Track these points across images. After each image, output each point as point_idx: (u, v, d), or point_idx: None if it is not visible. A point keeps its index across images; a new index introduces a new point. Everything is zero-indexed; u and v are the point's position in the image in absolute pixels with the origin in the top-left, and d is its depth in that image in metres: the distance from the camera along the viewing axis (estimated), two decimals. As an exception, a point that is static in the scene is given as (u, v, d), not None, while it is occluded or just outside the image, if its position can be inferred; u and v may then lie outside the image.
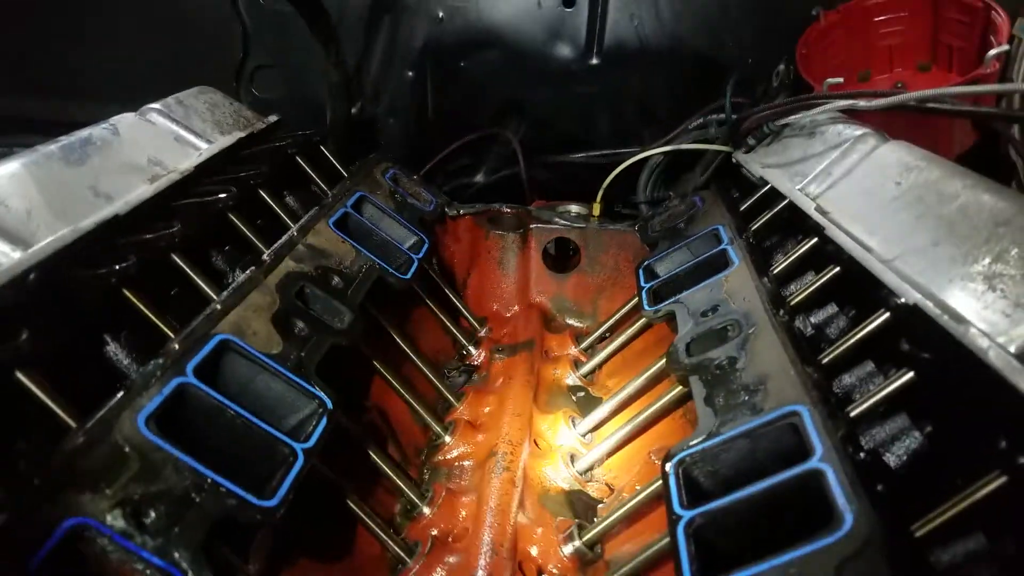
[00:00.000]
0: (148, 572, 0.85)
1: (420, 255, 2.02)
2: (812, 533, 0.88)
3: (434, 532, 1.47)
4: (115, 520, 0.87)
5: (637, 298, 1.85)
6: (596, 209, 2.47)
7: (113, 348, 1.25)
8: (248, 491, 1.04)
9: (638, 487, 1.41)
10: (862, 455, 0.97)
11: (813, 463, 0.97)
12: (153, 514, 0.91)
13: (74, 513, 0.85)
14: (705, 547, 0.99)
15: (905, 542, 0.84)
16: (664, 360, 1.48)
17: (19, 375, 0.99)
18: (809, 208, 1.53)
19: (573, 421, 1.84)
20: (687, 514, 1.03)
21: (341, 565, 1.38)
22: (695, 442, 1.15)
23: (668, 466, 1.15)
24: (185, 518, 0.93)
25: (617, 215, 2.63)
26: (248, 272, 1.51)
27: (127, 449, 0.97)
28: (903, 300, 1.10)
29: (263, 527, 1.03)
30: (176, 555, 0.88)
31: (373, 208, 2.09)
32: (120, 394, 1.06)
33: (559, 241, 2.51)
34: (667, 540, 1.06)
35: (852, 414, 1.07)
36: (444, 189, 2.68)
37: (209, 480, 1.00)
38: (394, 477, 1.53)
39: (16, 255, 1.21)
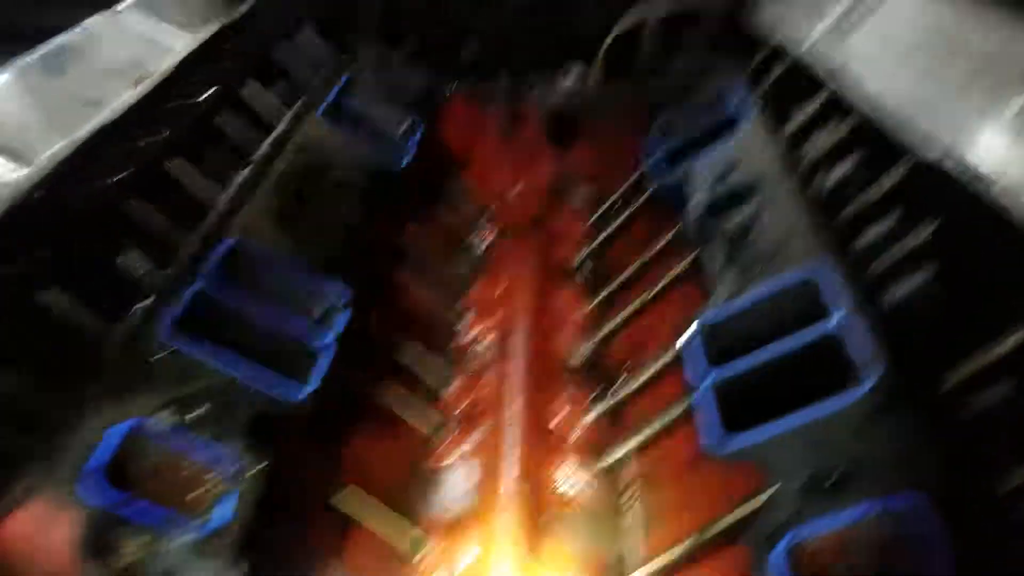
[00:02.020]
0: (204, 463, 0.90)
1: (415, 139, 1.97)
2: (834, 392, 0.91)
3: (460, 410, 1.53)
4: (165, 419, 0.91)
5: (646, 166, 1.81)
6: (597, 73, 2.35)
7: (128, 258, 1.25)
8: (280, 384, 1.08)
9: (658, 353, 1.44)
10: (883, 312, 0.98)
11: (834, 322, 0.98)
12: (198, 410, 0.96)
13: (125, 418, 0.88)
14: (729, 405, 1.03)
15: (928, 396, 0.87)
16: (678, 228, 1.48)
17: (45, 293, 0.99)
18: (823, 60, 1.46)
19: (587, 297, 1.85)
20: (711, 375, 1.07)
21: (382, 443, 1.44)
22: (716, 306, 1.17)
23: (690, 331, 1.17)
24: (228, 411, 0.98)
25: (620, 78, 2.49)
26: (246, 172, 1.48)
27: (161, 355, 0.99)
28: (924, 152, 1.08)
29: (299, 414, 1.08)
30: (226, 444, 0.93)
31: (362, 93, 2.01)
32: (145, 303, 1.07)
33: (560, 111, 2.40)
34: (689, 400, 1.10)
35: (873, 272, 1.08)
36: (435, 62, 2.52)
37: (244, 376, 1.04)
38: (416, 363, 1.57)
39: (19, 172, 1.18)
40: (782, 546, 0.78)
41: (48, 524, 0.76)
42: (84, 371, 0.94)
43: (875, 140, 1.23)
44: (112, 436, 0.85)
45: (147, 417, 0.90)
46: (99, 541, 0.75)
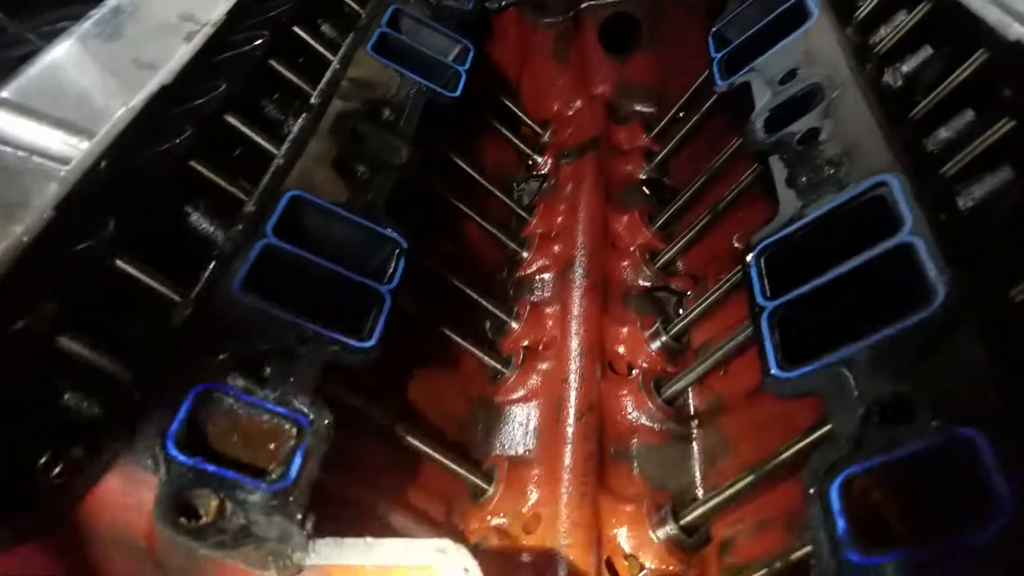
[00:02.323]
0: (275, 421, 0.95)
1: (466, 65, 1.91)
2: (904, 310, 0.86)
3: (525, 343, 1.56)
4: (236, 380, 0.97)
5: (708, 71, 1.70)
6: (653, -28, 2.20)
7: (194, 218, 1.30)
8: (347, 335, 1.11)
9: (721, 276, 1.41)
10: (957, 220, 0.91)
11: (903, 236, 0.92)
12: (268, 369, 1.01)
13: (198, 380, 0.94)
14: (790, 335, 1.00)
15: (1002, 310, 0.81)
16: (742, 139, 1.40)
17: (118, 262, 1.05)
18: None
19: (650, 217, 1.81)
20: (770, 304, 1.03)
21: (447, 383, 1.50)
22: (777, 228, 1.12)
23: (749, 257, 1.12)
24: (297, 368, 1.02)
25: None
26: (301, 121, 1.49)
27: (231, 315, 1.04)
28: (1004, 35, 0.95)
29: (366, 365, 1.12)
30: (295, 402, 0.98)
31: (410, 21, 1.96)
32: (212, 264, 1.12)
33: (616, 17, 2.26)
34: (751, 328, 1.07)
35: (948, 174, 0.99)
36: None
37: (311, 331, 1.08)
38: (479, 299, 1.59)
39: (84, 146, 1.23)
40: (836, 483, 0.76)
41: (132, 489, 0.83)
42: (160, 336, 1.00)
43: (951, 27, 1.10)
44: (186, 399, 0.90)
45: (219, 378, 0.95)
46: (179, 502, 0.82)
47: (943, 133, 1.11)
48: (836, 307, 0.98)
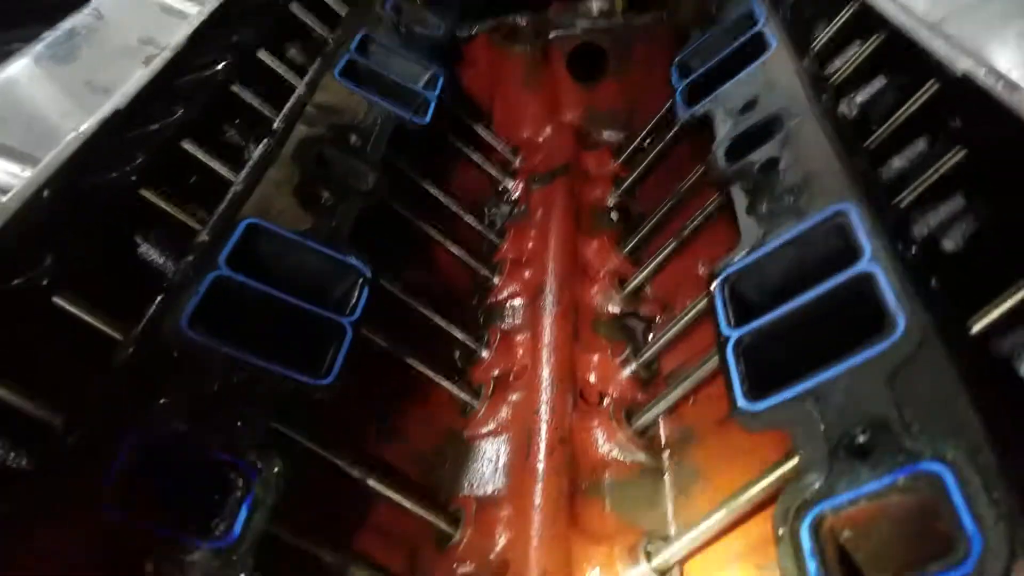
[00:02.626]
0: (220, 470, 0.90)
1: (437, 91, 1.90)
2: (864, 341, 0.85)
3: (495, 373, 1.52)
4: (179, 424, 0.91)
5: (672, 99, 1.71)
6: (620, 3, 2.23)
7: (143, 250, 1.26)
8: (303, 372, 1.07)
9: (689, 302, 1.39)
10: (914, 249, 0.90)
11: (862, 266, 0.91)
12: (214, 412, 0.95)
13: (138, 424, 0.89)
14: (755, 364, 0.98)
15: (962, 340, 0.80)
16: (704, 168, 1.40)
17: (57, 299, 1.00)
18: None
19: (619, 243, 1.80)
20: (735, 334, 1.01)
21: (414, 417, 1.45)
22: (739, 257, 1.11)
23: (713, 285, 1.11)
24: (246, 410, 0.97)
25: (643, 5, 2.36)
26: (262, 145, 1.46)
27: (177, 353, 1.00)
28: (952, 69, 0.96)
29: (323, 403, 1.07)
30: (243, 448, 0.92)
31: (379, 48, 1.95)
32: (159, 299, 1.08)
33: (584, 46, 2.29)
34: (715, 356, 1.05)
35: (903, 203, 0.99)
36: (451, 7, 2.44)
37: (263, 369, 1.03)
38: (448, 328, 1.56)
39: (25, 174, 1.19)
40: (806, 523, 0.73)
41: (63, 539, 0.78)
42: (99, 378, 0.94)
43: (903, 59, 1.12)
44: (124, 447, 0.85)
45: (161, 422, 0.90)
46: (114, 557, 0.77)
47: (897, 162, 1.11)
48: (800, 336, 0.97)
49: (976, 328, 0.80)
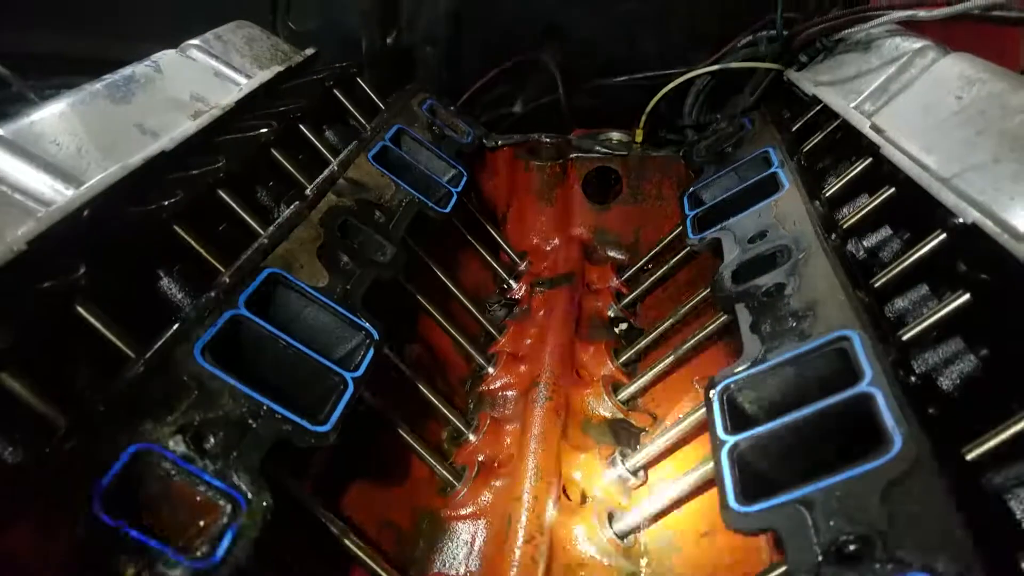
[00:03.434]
0: (209, 494, 0.89)
1: (459, 188, 2.01)
2: (860, 457, 0.87)
3: (480, 458, 1.51)
4: (177, 445, 0.91)
5: (681, 227, 1.81)
6: (639, 136, 2.41)
7: (166, 282, 1.29)
8: (302, 417, 1.07)
9: (681, 416, 1.42)
10: (913, 379, 0.95)
11: (863, 387, 0.95)
12: (213, 439, 0.95)
13: (137, 439, 0.89)
14: (749, 472, 1.00)
15: (955, 464, 0.83)
16: (709, 289, 1.47)
17: (79, 308, 1.02)
18: (864, 126, 1.46)
19: (615, 352, 1.84)
20: (731, 439, 1.03)
21: (393, 488, 1.44)
22: (740, 369, 1.15)
23: (712, 392, 1.14)
24: (243, 443, 0.97)
25: (661, 141, 2.55)
26: (293, 207, 1.53)
27: (185, 378, 1.01)
28: (961, 219, 1.06)
29: (317, 451, 1.07)
30: (235, 477, 0.92)
31: (411, 141, 2.07)
32: (176, 325, 1.09)
33: (600, 170, 2.45)
34: (711, 465, 1.07)
35: (904, 338, 1.05)
36: (481, 120, 2.64)
37: (265, 407, 1.04)
38: (440, 406, 1.57)
39: (69, 192, 1.23)
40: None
41: (45, 543, 0.76)
42: (107, 389, 0.95)
43: (912, 208, 1.22)
44: (121, 457, 0.84)
45: (160, 440, 0.89)
46: (96, 565, 0.75)
47: (900, 303, 1.18)
48: (795, 449, 0.99)
49: (970, 456, 0.83)
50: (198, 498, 0.89)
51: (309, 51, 2.25)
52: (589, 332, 1.97)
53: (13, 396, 0.88)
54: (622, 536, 1.31)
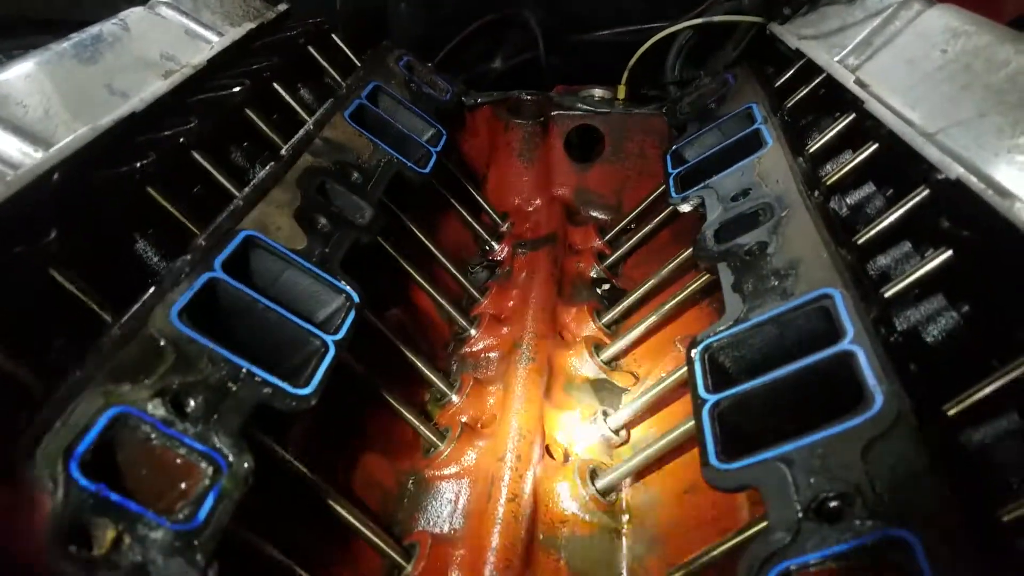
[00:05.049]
0: (191, 457, 0.88)
1: (438, 148, 1.97)
2: (841, 414, 0.88)
3: (463, 419, 1.52)
4: (156, 409, 0.90)
5: (664, 186, 1.80)
6: (621, 92, 2.37)
7: (141, 246, 1.26)
8: (283, 381, 1.06)
9: (663, 375, 1.43)
10: (895, 337, 0.95)
11: (844, 345, 0.96)
12: (192, 403, 0.94)
13: (115, 403, 0.87)
14: (730, 430, 1.01)
15: (936, 421, 0.84)
16: (691, 249, 1.46)
17: (53, 272, 1.00)
18: (848, 81, 1.44)
19: (597, 313, 1.84)
20: (712, 397, 1.04)
21: (377, 450, 1.44)
22: (722, 328, 1.15)
23: (694, 352, 1.15)
24: (223, 406, 0.96)
25: (644, 98, 2.50)
26: (268, 168, 1.49)
27: (162, 342, 0.99)
28: (945, 175, 1.06)
29: (299, 414, 1.06)
30: (216, 440, 0.91)
31: (388, 99, 2.03)
32: (152, 289, 1.07)
33: (582, 128, 2.42)
34: (692, 423, 1.07)
35: (886, 295, 1.05)
36: (460, 78, 2.58)
37: (244, 370, 1.03)
38: (422, 368, 1.56)
39: (38, 155, 1.19)
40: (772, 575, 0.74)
41: (22, 509, 0.75)
42: (86, 351, 0.93)
43: (895, 164, 1.21)
44: (99, 421, 0.83)
45: (138, 404, 0.88)
46: (73, 528, 0.74)
47: (882, 260, 1.19)
48: (776, 407, 1.00)
49: (951, 413, 0.84)
50: (179, 461, 0.88)
51: (282, 7, 2.18)
52: (571, 293, 1.96)
53: (-15, 360, 0.86)
54: (604, 493, 1.33)
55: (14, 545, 0.72)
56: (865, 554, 0.74)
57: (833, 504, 0.80)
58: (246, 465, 0.90)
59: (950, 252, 1.02)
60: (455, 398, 1.57)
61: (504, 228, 2.34)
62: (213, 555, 0.80)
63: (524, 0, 2.80)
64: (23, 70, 1.34)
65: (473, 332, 1.79)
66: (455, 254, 2.09)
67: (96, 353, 0.94)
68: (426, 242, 1.91)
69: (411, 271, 1.76)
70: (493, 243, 2.25)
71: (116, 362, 0.94)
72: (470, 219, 2.22)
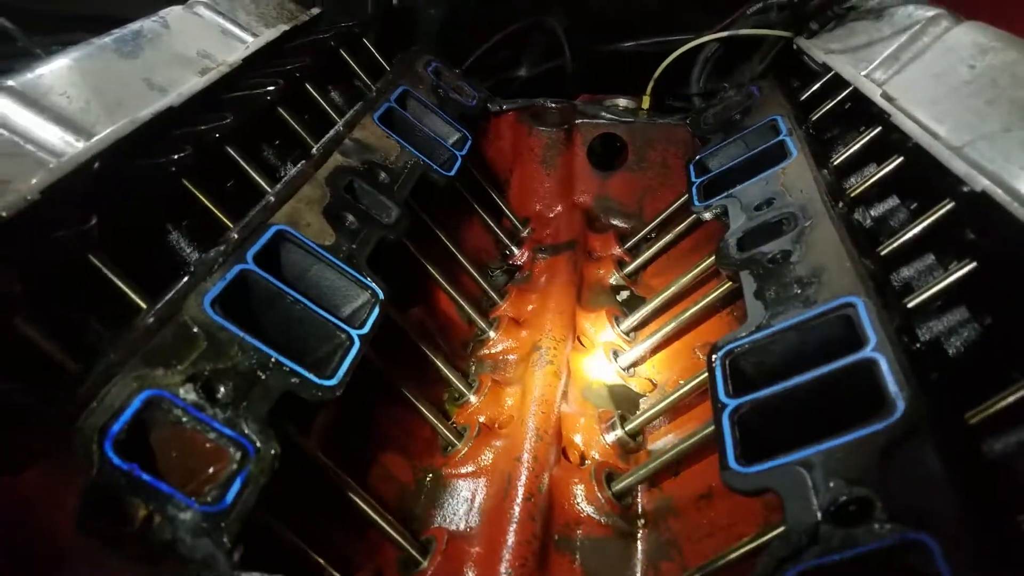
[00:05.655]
0: (220, 441, 0.90)
1: (463, 152, 1.99)
2: (860, 422, 0.89)
3: (481, 418, 1.53)
4: (188, 393, 0.92)
5: (686, 195, 1.81)
6: (645, 102, 2.38)
7: (175, 236, 1.30)
8: (309, 371, 1.08)
9: (682, 381, 1.43)
10: (917, 346, 0.96)
11: (866, 352, 0.96)
12: (223, 389, 0.97)
13: (149, 386, 0.90)
14: (750, 434, 1.01)
15: (956, 429, 0.85)
16: (712, 257, 1.47)
17: (92, 257, 1.03)
18: (874, 95, 1.45)
19: (616, 320, 1.85)
20: (732, 402, 1.05)
21: (396, 446, 1.46)
22: (744, 333, 1.16)
23: (715, 357, 1.16)
24: (252, 393, 0.98)
25: (668, 108, 2.52)
26: (300, 166, 1.52)
27: (195, 329, 1.01)
28: (971, 187, 1.06)
29: (324, 405, 1.08)
30: (244, 426, 0.93)
31: (416, 103, 2.06)
32: (186, 278, 1.10)
33: (605, 137, 2.43)
34: (711, 428, 1.08)
35: (909, 305, 1.06)
36: (486, 84, 2.61)
37: (273, 359, 1.05)
38: (442, 367, 1.58)
39: (80, 144, 1.23)
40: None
41: (57, 486, 0.78)
42: (119, 338, 0.96)
43: (920, 177, 1.22)
44: (133, 403, 0.86)
45: (171, 388, 0.91)
46: (106, 505, 0.76)
47: (905, 271, 1.19)
48: (795, 413, 1.01)
49: (973, 420, 0.85)
50: (208, 445, 0.90)
51: (315, 10, 2.23)
52: (590, 299, 1.97)
53: (27, 341, 0.89)
54: (619, 497, 1.34)
55: (49, 520, 0.74)
56: (884, 557, 0.74)
57: (851, 509, 0.80)
58: (272, 451, 0.92)
59: (974, 263, 1.02)
60: (473, 398, 1.58)
61: (525, 233, 2.36)
62: (239, 537, 0.82)
63: (551, 9, 2.84)
64: (65, 63, 1.38)
65: (492, 334, 1.81)
66: (476, 257, 2.12)
67: (130, 337, 0.97)
68: (448, 244, 1.93)
69: (433, 272, 1.78)
70: (513, 247, 2.27)
71: (150, 347, 0.97)
72: (491, 223, 2.24)
